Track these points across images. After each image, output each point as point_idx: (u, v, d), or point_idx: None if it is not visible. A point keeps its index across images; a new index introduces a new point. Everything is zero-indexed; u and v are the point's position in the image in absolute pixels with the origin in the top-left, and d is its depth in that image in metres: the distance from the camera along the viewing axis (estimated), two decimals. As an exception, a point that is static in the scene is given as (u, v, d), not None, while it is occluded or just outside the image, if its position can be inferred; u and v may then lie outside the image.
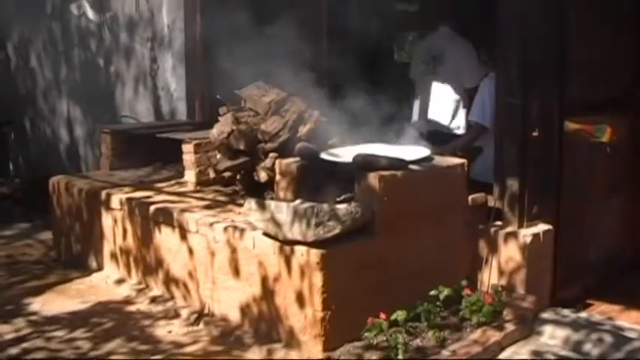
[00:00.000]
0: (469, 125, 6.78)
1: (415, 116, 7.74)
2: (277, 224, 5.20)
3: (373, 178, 5.33)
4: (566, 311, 5.83)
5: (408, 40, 15.37)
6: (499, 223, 6.03)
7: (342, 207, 5.20)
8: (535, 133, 5.93)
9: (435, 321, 5.31)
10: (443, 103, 7.55)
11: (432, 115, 7.56)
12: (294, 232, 5.12)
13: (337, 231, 5.10)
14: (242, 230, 5.61)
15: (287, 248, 5.22)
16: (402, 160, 5.59)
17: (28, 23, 11.25)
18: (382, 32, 7.90)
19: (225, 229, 5.73)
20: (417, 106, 7.78)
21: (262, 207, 5.30)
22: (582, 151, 6.36)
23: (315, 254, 5.06)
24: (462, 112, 7.43)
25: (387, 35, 10.90)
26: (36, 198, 8.95)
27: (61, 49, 10.76)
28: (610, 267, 6.66)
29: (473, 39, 7.45)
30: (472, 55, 7.39)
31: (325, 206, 5.13)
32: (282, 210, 5.18)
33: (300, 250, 5.15)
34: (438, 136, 6.98)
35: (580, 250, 6.41)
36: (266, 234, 5.38)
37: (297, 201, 5.30)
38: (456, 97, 7.49)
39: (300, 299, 5.20)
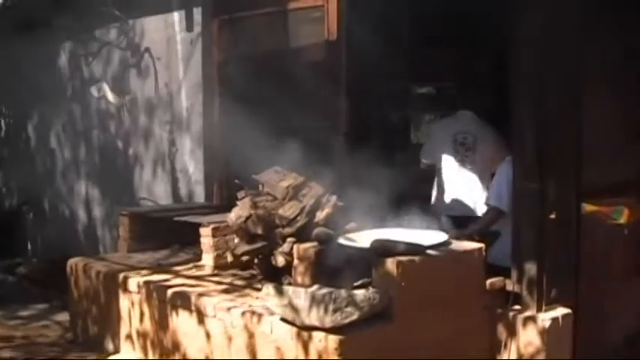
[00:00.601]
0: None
1: (436, 200, 7.73)
2: (295, 309, 5.17)
3: (391, 264, 5.31)
4: None
5: (424, 121, 15.47)
6: (518, 307, 5.98)
7: (359, 293, 5.17)
8: (552, 216, 5.92)
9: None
10: (475, 191, 7.57)
11: (463, 200, 7.57)
12: (312, 317, 5.09)
13: (355, 317, 5.06)
14: (260, 315, 5.58)
15: (305, 334, 5.17)
16: (420, 246, 5.58)
17: (48, 104, 11.40)
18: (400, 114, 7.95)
19: (243, 313, 5.69)
20: (441, 190, 7.76)
21: (280, 292, 5.28)
22: (600, 234, 6.33)
23: (332, 340, 5.01)
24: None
25: (404, 117, 11.06)
26: (53, 279, 8.98)
27: (80, 131, 10.88)
28: (631, 350, 6.56)
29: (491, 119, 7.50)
30: (503, 141, 7.40)
31: (343, 292, 5.11)
32: (299, 295, 5.15)
33: (317, 335, 5.10)
34: (463, 221, 6.98)
35: (600, 334, 6.33)
36: (284, 319, 5.34)
37: (315, 286, 5.28)
38: (486, 184, 7.51)
39: (319, 386, 5.15)
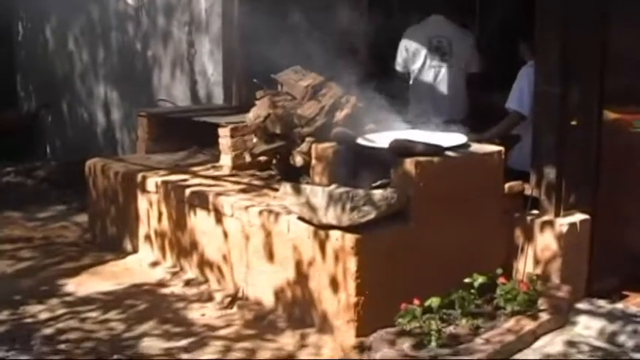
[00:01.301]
0: (506, 112, 6.71)
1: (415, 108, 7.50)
2: (312, 208, 5.19)
3: (409, 164, 5.30)
4: (601, 302, 5.79)
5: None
6: (536, 211, 5.98)
7: (377, 192, 5.18)
8: (573, 122, 5.88)
9: (468, 309, 5.24)
10: (460, 93, 7.56)
11: (449, 104, 7.49)
12: (329, 216, 5.11)
13: (372, 216, 5.08)
14: (277, 214, 5.61)
15: (322, 233, 5.22)
16: (439, 146, 5.56)
17: (66, 7, 11.17)
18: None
19: (260, 212, 5.73)
20: (419, 98, 7.58)
21: (298, 191, 5.30)
22: (621, 142, 6.26)
23: (349, 239, 5.05)
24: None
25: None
26: (72, 181, 9.02)
27: (98, 33, 10.79)
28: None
29: (511, 30, 7.37)
30: (474, 42, 7.55)
31: (360, 191, 5.11)
32: (317, 194, 5.17)
33: (334, 234, 5.14)
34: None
35: (617, 241, 6.32)
36: (301, 218, 5.38)
37: (333, 185, 5.29)
38: (464, 85, 7.53)
39: (334, 284, 5.20)
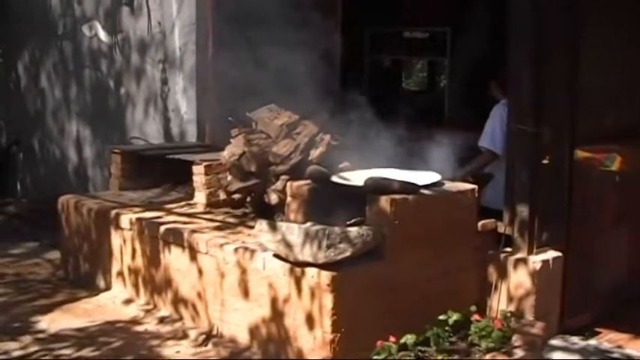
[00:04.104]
0: (479, 151, 6.77)
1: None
2: (288, 245, 5.20)
3: (385, 202, 5.34)
4: (574, 338, 5.86)
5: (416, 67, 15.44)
6: (509, 249, 6.03)
7: (353, 230, 5.20)
8: (545, 161, 5.95)
9: (443, 346, 5.26)
10: None
11: None
12: (305, 253, 5.12)
13: (348, 253, 5.10)
14: (252, 251, 5.61)
15: (298, 270, 5.22)
16: (414, 185, 5.59)
17: (39, 43, 11.26)
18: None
19: (236, 250, 5.72)
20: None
21: (273, 228, 5.30)
22: (592, 180, 6.36)
23: (325, 276, 5.06)
24: None
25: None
26: (44, 218, 8.95)
27: (71, 70, 10.74)
28: (619, 296, 6.62)
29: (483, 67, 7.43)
30: None
31: (336, 229, 5.13)
32: (293, 231, 5.18)
33: (310, 271, 5.14)
34: None
35: (589, 278, 6.37)
36: (277, 255, 5.38)
37: (309, 223, 5.30)
38: None
39: (310, 321, 5.19)
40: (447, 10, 9.81)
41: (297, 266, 5.22)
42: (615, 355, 5.52)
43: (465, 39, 7.87)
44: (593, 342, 5.87)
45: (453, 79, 9.90)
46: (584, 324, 6.18)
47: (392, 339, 5.05)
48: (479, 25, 8.62)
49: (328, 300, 5.06)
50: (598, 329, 6.19)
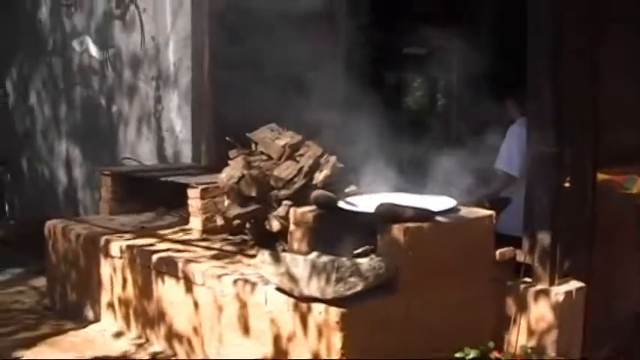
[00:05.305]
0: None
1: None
2: (293, 279, 4.86)
3: (398, 230, 4.99)
4: None
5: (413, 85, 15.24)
6: (528, 279, 5.70)
7: (364, 262, 4.85)
8: (567, 184, 5.65)
9: (462, 386, 4.93)
10: None
11: None
12: (312, 288, 4.77)
13: (359, 288, 4.75)
14: (253, 284, 5.29)
15: (303, 305, 4.88)
16: (429, 211, 5.25)
17: (27, 59, 11.14)
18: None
19: (235, 282, 5.41)
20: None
21: (277, 259, 4.96)
22: (613, 203, 6.04)
23: (335, 313, 4.72)
24: None
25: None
26: (31, 242, 8.66)
27: (61, 87, 10.60)
28: (638, 325, 6.28)
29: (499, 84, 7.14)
30: None
31: (346, 261, 4.78)
32: (298, 264, 4.84)
33: (317, 308, 4.80)
34: None
35: (610, 309, 6.04)
36: (280, 289, 5.04)
37: (314, 254, 4.95)
38: None
39: (317, 361, 4.86)
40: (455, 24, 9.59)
41: (303, 301, 4.89)
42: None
43: (474, 55, 7.58)
44: (619, 379, 5.56)
45: (461, 98, 9.64)
46: (605, 357, 5.91)
47: (407, 380, 4.69)
48: (489, 40, 8.38)
49: (337, 338, 4.72)
50: (620, 363, 5.89)
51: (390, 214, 5.09)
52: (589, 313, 5.76)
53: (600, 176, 5.90)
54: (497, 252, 5.70)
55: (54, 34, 10.55)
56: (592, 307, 5.77)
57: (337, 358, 4.73)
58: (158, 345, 6.14)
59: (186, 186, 6.85)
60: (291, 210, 5.72)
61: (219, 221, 6.47)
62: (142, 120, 9.19)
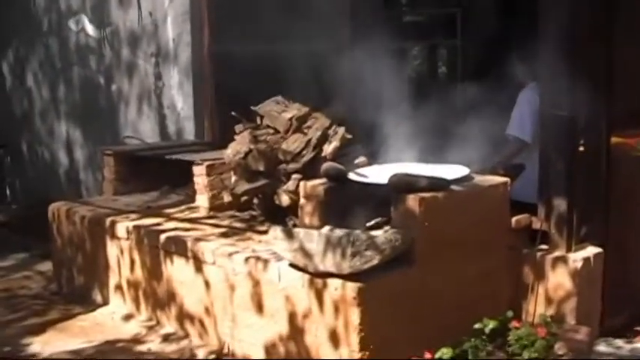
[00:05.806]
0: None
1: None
2: (307, 255, 4.73)
3: (413, 201, 4.85)
4: (619, 342, 5.50)
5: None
6: (545, 246, 5.59)
7: (380, 235, 4.73)
8: (581, 148, 5.53)
9: (482, 358, 4.78)
10: None
11: None
12: (327, 263, 4.65)
13: (376, 262, 4.62)
14: (265, 261, 5.16)
15: (318, 281, 4.76)
16: (444, 180, 5.11)
17: (23, 41, 10.96)
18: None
19: (247, 259, 5.28)
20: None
21: (290, 235, 4.84)
22: (627, 166, 5.91)
23: (351, 288, 4.59)
24: None
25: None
26: (34, 225, 8.53)
27: (58, 68, 10.43)
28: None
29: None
30: None
31: (362, 234, 4.65)
32: (312, 239, 4.71)
33: (333, 283, 4.68)
34: None
35: (627, 274, 5.96)
36: (294, 265, 4.92)
37: (328, 228, 4.82)
38: None
39: (334, 338, 4.74)
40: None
41: (318, 277, 4.76)
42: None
43: (478, 19, 7.46)
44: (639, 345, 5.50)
45: (466, 64, 9.45)
46: (623, 324, 5.81)
47: (427, 355, 4.57)
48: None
49: (355, 314, 4.60)
50: (638, 328, 5.81)
51: (403, 185, 4.95)
52: (608, 280, 5.68)
53: (614, 139, 5.76)
54: (513, 219, 5.60)
55: (49, 14, 10.37)
56: (611, 273, 5.70)
57: (356, 334, 4.62)
58: (169, 327, 6.05)
59: (191, 163, 6.73)
60: (301, 184, 5.59)
61: (227, 198, 6.34)
62: (142, 98, 9.04)
